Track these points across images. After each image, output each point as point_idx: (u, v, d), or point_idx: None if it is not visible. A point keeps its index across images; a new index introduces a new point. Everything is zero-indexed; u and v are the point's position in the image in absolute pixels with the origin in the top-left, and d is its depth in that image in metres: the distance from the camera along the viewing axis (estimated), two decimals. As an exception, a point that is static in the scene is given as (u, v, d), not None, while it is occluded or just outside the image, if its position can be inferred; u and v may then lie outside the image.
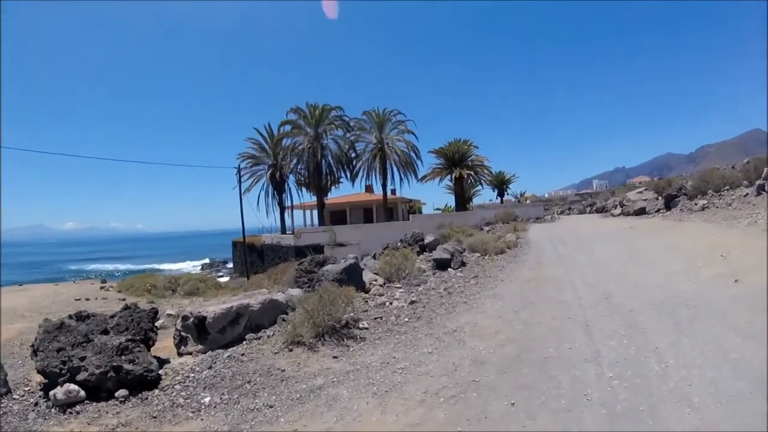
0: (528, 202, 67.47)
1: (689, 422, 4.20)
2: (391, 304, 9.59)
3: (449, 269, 13.15)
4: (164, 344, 7.83)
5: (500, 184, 63.81)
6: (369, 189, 52.31)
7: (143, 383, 5.96)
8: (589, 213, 45.15)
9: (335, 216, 51.70)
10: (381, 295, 10.28)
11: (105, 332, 6.60)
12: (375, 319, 8.58)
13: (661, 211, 24.97)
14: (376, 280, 11.22)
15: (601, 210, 40.72)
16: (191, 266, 77.68)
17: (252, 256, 46.69)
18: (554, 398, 4.87)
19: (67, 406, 5.52)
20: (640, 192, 36.54)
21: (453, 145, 47.73)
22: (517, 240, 19.74)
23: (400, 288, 10.91)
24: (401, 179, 46.28)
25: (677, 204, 23.94)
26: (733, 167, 27.50)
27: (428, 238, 17.31)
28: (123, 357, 6.08)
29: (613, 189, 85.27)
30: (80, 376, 5.76)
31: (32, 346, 6.33)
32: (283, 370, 6.32)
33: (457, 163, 46.93)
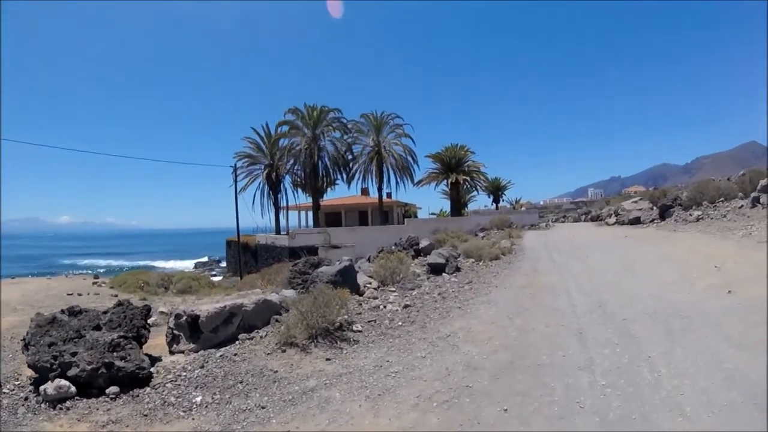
0: (523, 209, 67.60)
1: (681, 431, 4.20)
2: (385, 307, 9.57)
3: (444, 274, 13.15)
4: (156, 342, 7.79)
5: (496, 191, 63.93)
6: (365, 192, 52.38)
7: (134, 381, 5.92)
8: (584, 221, 45.31)
9: (330, 218, 51.73)
10: (375, 298, 10.26)
11: (97, 328, 6.56)
12: (369, 322, 8.56)
13: (656, 221, 25.08)
14: (370, 283, 11.21)
15: (596, 218, 40.89)
16: (184, 264, 77.42)
17: (246, 256, 46.65)
18: (547, 405, 4.86)
19: (57, 401, 5.47)
20: (636, 201, 36.71)
21: (450, 150, 47.86)
22: (512, 246, 19.77)
23: (394, 292, 10.90)
24: (397, 183, 46.48)
25: (672, 214, 24.04)
26: (728, 179, 27.63)
27: (423, 243, 17.33)
28: (115, 353, 6.04)
29: (609, 198, 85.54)
30: (71, 372, 5.72)
31: (23, 340, 6.29)
32: (276, 371, 6.29)
33: (453, 168, 47.06)
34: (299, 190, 48.62)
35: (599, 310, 8.42)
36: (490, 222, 35.21)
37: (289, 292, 9.36)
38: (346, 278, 10.00)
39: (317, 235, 37.33)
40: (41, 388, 5.60)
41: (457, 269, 13.87)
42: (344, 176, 46.45)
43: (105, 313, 6.96)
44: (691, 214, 21.82)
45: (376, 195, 47.27)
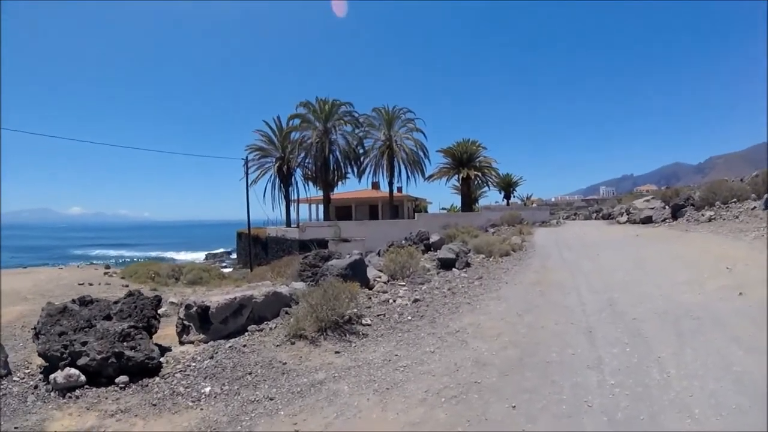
0: (534, 205, 67.32)
1: (690, 433, 4.19)
2: (394, 301, 9.58)
3: (454, 269, 13.15)
4: (166, 332, 7.83)
5: (507, 187, 63.67)
6: (375, 186, 52.33)
7: (144, 370, 5.96)
8: (595, 219, 45.10)
9: (341, 211, 51.78)
10: (385, 292, 10.27)
11: (108, 318, 6.61)
12: (378, 315, 8.57)
13: (668, 220, 24.92)
14: (380, 277, 11.22)
15: (608, 216, 40.67)
16: (195, 256, 77.71)
17: (256, 248, 46.77)
18: (555, 403, 4.86)
19: (66, 390, 5.52)
20: (647, 200, 36.41)
21: (461, 145, 47.66)
22: (523, 243, 19.69)
23: (404, 286, 10.91)
24: (408, 177, 46.40)
25: (684, 214, 23.87)
26: (741, 179, 27.38)
27: (433, 238, 17.31)
28: (125, 343, 6.07)
29: (620, 196, 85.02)
30: (81, 361, 5.76)
31: (34, 328, 6.34)
32: (285, 363, 6.31)
33: (464, 163, 46.87)
34: (310, 184, 48.70)
35: (609, 309, 8.39)
36: (501, 218, 35.09)
37: (299, 285, 9.38)
38: (356, 272, 10.01)
39: (327, 229, 37.37)
40: (51, 376, 5.65)
41: (467, 265, 13.86)
42: (355, 170, 46.46)
43: (116, 303, 7.00)
44: (703, 215, 21.66)
45: (387, 189, 47.22)
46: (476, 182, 50.47)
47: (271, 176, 48.06)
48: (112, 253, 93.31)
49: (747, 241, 13.92)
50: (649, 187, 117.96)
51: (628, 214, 32.80)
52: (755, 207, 19.14)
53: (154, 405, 5.22)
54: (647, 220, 26.68)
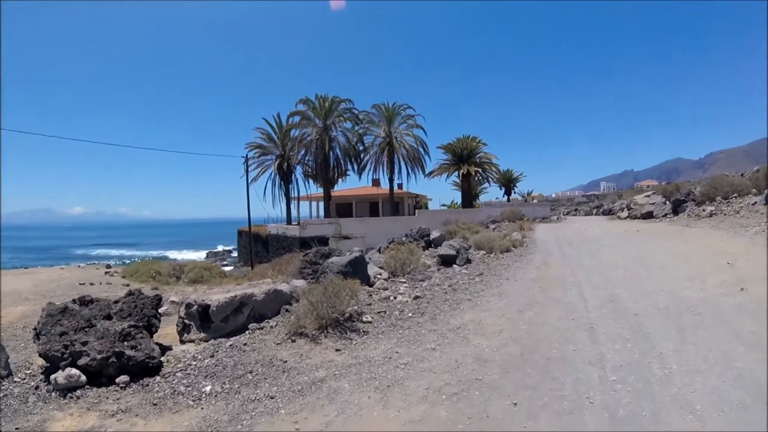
0: (535, 201, 67.36)
1: (691, 429, 4.17)
2: (395, 298, 9.57)
3: (454, 266, 13.14)
4: (167, 331, 7.84)
5: (507, 183, 63.68)
6: (376, 183, 52.27)
7: (145, 370, 5.96)
8: (596, 215, 45.06)
9: (341, 208, 51.76)
10: (385, 289, 10.25)
11: (108, 317, 6.60)
12: (378, 313, 8.56)
13: (669, 215, 24.89)
14: (380, 274, 11.20)
15: (608, 212, 40.61)
16: (196, 254, 77.75)
17: (257, 246, 46.78)
18: (557, 400, 4.85)
19: (67, 390, 5.52)
20: (648, 196, 36.39)
21: (461, 141, 47.58)
22: (523, 239, 19.69)
23: (404, 283, 10.90)
24: (408, 174, 46.29)
25: (685, 209, 23.85)
26: (742, 175, 27.33)
27: (434, 234, 17.29)
28: (125, 343, 6.07)
29: (621, 192, 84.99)
30: (82, 361, 5.76)
31: (35, 329, 6.33)
32: (285, 361, 6.31)
33: (464, 159, 46.81)
34: (310, 181, 48.63)
35: (610, 305, 8.38)
36: (502, 214, 35.06)
37: (300, 282, 9.37)
38: (357, 269, 9.99)
39: (328, 226, 37.34)
40: (52, 377, 5.64)
41: (468, 261, 13.85)
42: (355, 167, 46.37)
43: (116, 302, 6.98)
44: (704, 210, 21.64)
45: (387, 186, 47.14)
46: (476, 178, 50.41)
47: (271, 174, 48.02)
48: (114, 252, 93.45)
49: (748, 237, 13.90)
50: (649, 183, 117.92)
51: (628, 210, 32.77)
52: (756, 202, 19.13)
53: (155, 404, 5.22)
54: (648, 216, 26.66)
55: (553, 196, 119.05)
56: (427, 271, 12.17)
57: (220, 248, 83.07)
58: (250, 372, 5.99)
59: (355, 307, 8.21)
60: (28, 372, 6.17)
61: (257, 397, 5.28)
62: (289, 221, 48.42)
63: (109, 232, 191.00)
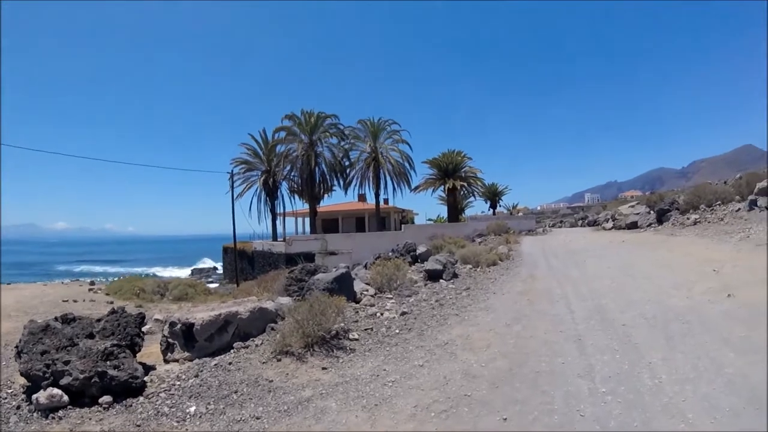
0: (520, 214, 67.52)
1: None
2: (382, 314, 9.50)
3: (441, 280, 13.10)
4: (151, 350, 7.72)
5: (493, 196, 63.82)
6: (362, 198, 52.28)
7: (128, 390, 5.84)
8: (581, 226, 45.32)
9: (327, 224, 51.68)
10: (372, 305, 10.19)
11: (90, 336, 6.48)
12: (365, 330, 8.48)
13: (653, 225, 25.04)
14: (367, 290, 11.13)
15: (593, 223, 40.87)
16: (181, 272, 77.22)
17: (242, 263, 46.54)
18: (547, 414, 4.81)
19: (49, 410, 5.39)
20: (632, 206, 36.64)
21: (447, 156, 47.78)
22: (510, 252, 19.70)
23: (391, 299, 10.83)
24: (394, 189, 46.33)
25: (669, 218, 24.00)
26: (725, 182, 27.62)
27: (420, 249, 17.26)
28: (108, 362, 5.95)
29: (605, 203, 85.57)
30: (64, 381, 5.64)
31: (16, 347, 6.21)
32: (271, 381, 6.21)
33: (450, 174, 46.97)
34: (296, 197, 48.54)
35: (598, 316, 8.37)
36: (488, 227, 35.12)
37: (285, 300, 9.28)
38: (343, 285, 9.92)
39: (314, 242, 37.28)
40: (33, 396, 5.52)
41: (455, 275, 13.81)
42: (341, 182, 46.37)
43: (99, 320, 6.86)
44: (688, 218, 21.79)
45: (373, 201, 47.15)
46: (462, 192, 50.62)
47: (256, 189, 47.92)
48: (98, 269, 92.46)
49: (733, 243, 13.99)
50: (633, 193, 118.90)
51: (613, 221, 32.96)
52: (739, 209, 19.31)
53: (138, 426, 5.11)
54: (633, 226, 26.81)
55: (539, 208, 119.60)
56: (414, 287, 12.12)
57: (205, 265, 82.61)
58: (236, 392, 5.89)
59: (342, 325, 8.14)
60: (9, 391, 6.02)
61: (243, 418, 5.18)
62: (274, 237, 48.26)
63: (93, 248, 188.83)
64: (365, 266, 15.34)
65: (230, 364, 6.82)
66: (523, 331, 7.95)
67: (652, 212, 27.15)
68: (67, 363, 5.79)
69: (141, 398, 5.77)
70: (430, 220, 62.83)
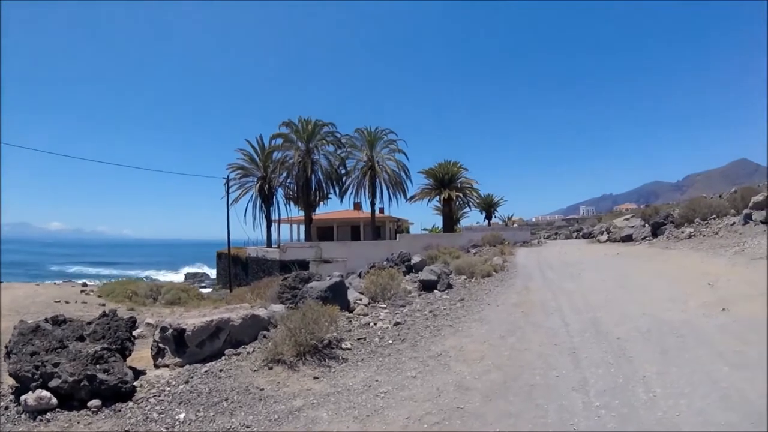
0: (515, 225, 67.56)
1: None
2: (375, 324, 9.44)
3: (435, 291, 13.05)
4: (141, 354, 7.65)
5: (488, 207, 63.90)
6: (357, 206, 52.28)
7: (117, 394, 5.78)
8: (576, 238, 45.42)
9: (322, 232, 51.66)
10: (365, 315, 10.13)
11: (81, 339, 6.42)
12: (358, 339, 8.42)
13: (648, 238, 25.09)
14: (360, 300, 11.07)
15: (588, 236, 40.96)
16: (175, 276, 76.96)
17: (236, 269, 46.40)
18: (541, 427, 4.76)
19: (37, 412, 5.34)
20: (627, 219, 36.78)
21: (443, 166, 47.91)
22: (504, 263, 19.70)
23: (385, 308, 10.78)
24: (390, 198, 46.37)
25: (664, 231, 24.07)
26: (720, 196, 27.73)
27: (415, 259, 17.22)
28: (98, 366, 5.89)
29: (600, 215, 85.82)
30: (53, 383, 5.58)
31: (6, 347, 6.14)
32: (262, 389, 6.15)
33: (446, 184, 47.07)
34: (291, 204, 48.50)
35: (593, 329, 8.34)
36: (483, 238, 35.13)
37: (278, 308, 9.22)
38: (336, 294, 9.86)
39: (309, 249, 37.21)
40: (22, 398, 5.47)
41: (449, 286, 13.77)
42: (337, 190, 46.37)
43: (89, 323, 6.81)
44: (683, 232, 21.84)
45: (369, 210, 47.15)
46: (458, 203, 50.71)
47: (252, 196, 47.86)
48: (91, 270, 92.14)
49: (728, 257, 14.02)
50: (628, 206, 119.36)
51: (608, 233, 33.04)
52: (734, 222, 19.38)
53: (127, 431, 5.05)
54: (627, 239, 26.87)
55: (534, 220, 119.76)
56: (408, 297, 12.07)
57: (199, 269, 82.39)
58: (226, 399, 5.83)
59: (335, 334, 8.07)
60: (-3, 390, 5.97)
61: (232, 427, 5.12)
62: (269, 244, 48.15)
63: (87, 250, 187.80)
64: (359, 275, 15.28)
65: (221, 371, 6.75)
66: (517, 343, 7.91)
67: (647, 225, 27.22)
68: (56, 365, 5.74)
69: (130, 403, 5.71)
70: (425, 230, 62.86)
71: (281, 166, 43.74)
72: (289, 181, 45.44)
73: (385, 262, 16.96)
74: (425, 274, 13.82)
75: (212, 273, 68.81)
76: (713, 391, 5.22)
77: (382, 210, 49.48)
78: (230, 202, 40.53)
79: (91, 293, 21.32)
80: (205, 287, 47.39)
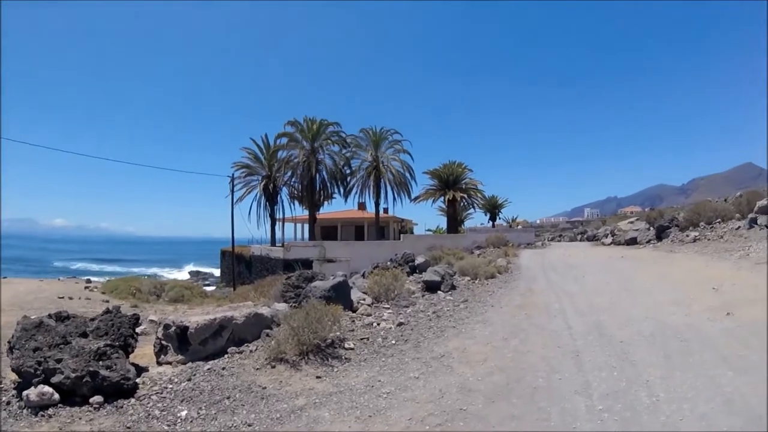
0: (519, 227, 67.43)
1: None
2: (378, 324, 9.43)
3: (439, 292, 13.03)
4: (144, 351, 7.65)
5: (492, 208, 63.78)
6: (362, 206, 52.24)
7: (119, 391, 5.78)
8: (580, 241, 45.32)
9: (326, 231, 51.61)
10: (369, 315, 10.12)
11: (84, 335, 6.42)
12: (361, 339, 8.41)
13: (653, 241, 25.05)
14: (364, 299, 11.06)
15: (592, 238, 40.87)
16: (179, 274, 77.08)
17: (240, 267, 46.45)
18: (543, 430, 4.73)
19: (39, 408, 5.34)
20: (632, 222, 36.67)
21: (447, 167, 47.83)
22: (508, 265, 19.67)
23: (388, 309, 10.76)
24: (394, 198, 46.30)
25: (669, 235, 24.02)
26: (725, 200, 27.67)
27: (419, 260, 17.20)
28: (100, 362, 5.89)
29: (605, 218, 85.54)
30: (55, 379, 5.58)
31: (9, 342, 6.15)
32: (264, 388, 6.15)
33: (450, 185, 46.99)
34: (296, 203, 48.51)
35: (596, 332, 8.31)
36: (487, 240, 35.10)
37: (281, 306, 9.22)
38: (340, 294, 9.85)
39: (312, 249, 37.20)
40: (24, 393, 5.47)
41: (453, 287, 13.75)
42: (341, 190, 46.31)
43: (92, 320, 6.81)
44: (687, 235, 21.80)
45: (373, 210, 47.08)
46: (462, 204, 50.63)
47: (256, 194, 47.84)
48: (95, 267, 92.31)
49: (732, 261, 13.98)
50: (633, 209, 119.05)
51: (612, 236, 32.97)
52: (739, 227, 19.33)
53: (129, 427, 5.05)
54: (632, 242, 26.81)
55: (538, 222, 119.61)
56: (412, 297, 12.06)
57: (203, 268, 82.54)
58: (228, 398, 5.83)
59: (338, 333, 8.07)
60: (0, 386, 5.97)
61: (234, 425, 5.11)
62: (273, 243, 48.15)
63: (90, 246, 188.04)
64: (363, 275, 15.27)
65: (224, 369, 6.75)
66: (520, 345, 7.88)
67: (651, 228, 27.17)
68: (59, 361, 5.74)
69: (132, 400, 5.71)
70: (429, 230, 62.89)
71: (286, 165, 43.72)
72: (293, 180, 45.43)
73: (388, 263, 16.95)
74: (429, 275, 13.80)
75: (216, 271, 68.92)
76: (717, 395, 5.20)
77: (386, 210, 49.45)
78: (235, 200, 40.65)
79: (95, 290, 21.37)
80: (208, 285, 47.47)
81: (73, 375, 5.60)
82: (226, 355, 7.26)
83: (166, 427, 5.09)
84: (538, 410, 5.20)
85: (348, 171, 46.09)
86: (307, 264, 30.31)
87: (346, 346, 7.92)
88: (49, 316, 6.70)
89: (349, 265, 31.17)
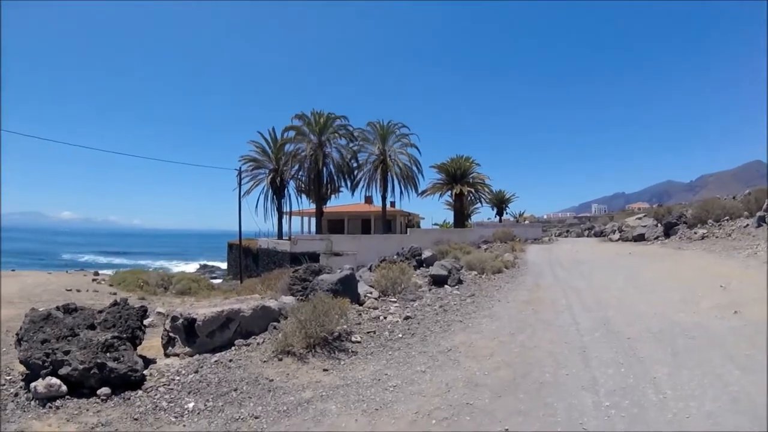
0: (527, 222, 67.36)
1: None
2: (385, 318, 9.44)
3: (446, 286, 13.03)
4: (152, 343, 7.68)
5: (500, 203, 63.71)
6: (369, 200, 52.30)
7: (127, 383, 5.80)
8: (588, 236, 45.15)
9: (333, 225, 51.68)
10: (375, 308, 10.13)
11: (92, 327, 6.44)
12: (368, 332, 8.42)
13: (660, 238, 24.94)
14: (371, 293, 11.07)
15: (600, 234, 40.72)
16: (187, 266, 77.29)
17: (247, 260, 46.56)
18: (550, 426, 4.73)
19: (47, 399, 5.36)
20: (640, 218, 36.57)
21: (455, 161, 47.79)
22: (515, 260, 19.65)
23: (395, 302, 10.77)
24: (401, 192, 46.37)
25: (677, 232, 23.91)
26: (734, 197, 27.51)
27: (426, 254, 17.18)
28: (108, 354, 5.92)
29: (612, 214, 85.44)
30: (63, 371, 5.60)
31: (17, 334, 6.18)
32: (272, 380, 6.16)
33: (458, 179, 46.96)
34: (303, 196, 48.66)
35: (603, 328, 8.29)
36: (494, 234, 35.01)
37: (288, 299, 9.23)
38: (347, 287, 9.86)
39: (319, 242, 37.26)
40: (32, 385, 5.49)
41: (460, 282, 13.74)
42: (348, 184, 46.43)
43: (100, 312, 6.83)
44: (695, 233, 21.71)
45: (380, 204, 47.12)
46: (469, 198, 50.59)
47: (264, 188, 48.03)
48: (102, 260, 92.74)
49: (740, 259, 13.92)
50: (641, 205, 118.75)
51: (620, 232, 32.86)
52: (748, 225, 19.23)
53: (136, 419, 5.06)
54: (640, 238, 26.70)
55: (545, 217, 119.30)
56: (418, 291, 12.05)
57: (210, 261, 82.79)
58: (235, 390, 5.84)
59: (345, 327, 8.08)
60: (8, 378, 5.98)
61: (241, 417, 5.12)
62: (280, 236, 48.26)
63: (98, 239, 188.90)
64: (370, 269, 15.27)
65: (231, 361, 6.77)
66: (527, 340, 7.87)
67: (659, 225, 27.04)
68: (67, 353, 5.76)
69: (140, 391, 5.73)
70: (436, 224, 62.80)
71: (293, 159, 43.83)
72: (300, 173, 45.55)
73: (395, 256, 16.93)
74: (436, 269, 13.80)
75: (222, 264, 69.11)
76: (724, 394, 5.17)
77: (393, 204, 49.45)
78: (242, 193, 40.67)
79: (103, 282, 21.43)
80: (216, 278, 47.60)
81: (81, 367, 5.61)
82: (233, 348, 7.28)
83: (173, 419, 5.11)
84: (545, 405, 5.19)
85: (355, 164, 46.16)
86: (314, 257, 30.35)
87: (353, 339, 7.93)
88: (57, 308, 6.72)
89: (355, 258, 31.20)
